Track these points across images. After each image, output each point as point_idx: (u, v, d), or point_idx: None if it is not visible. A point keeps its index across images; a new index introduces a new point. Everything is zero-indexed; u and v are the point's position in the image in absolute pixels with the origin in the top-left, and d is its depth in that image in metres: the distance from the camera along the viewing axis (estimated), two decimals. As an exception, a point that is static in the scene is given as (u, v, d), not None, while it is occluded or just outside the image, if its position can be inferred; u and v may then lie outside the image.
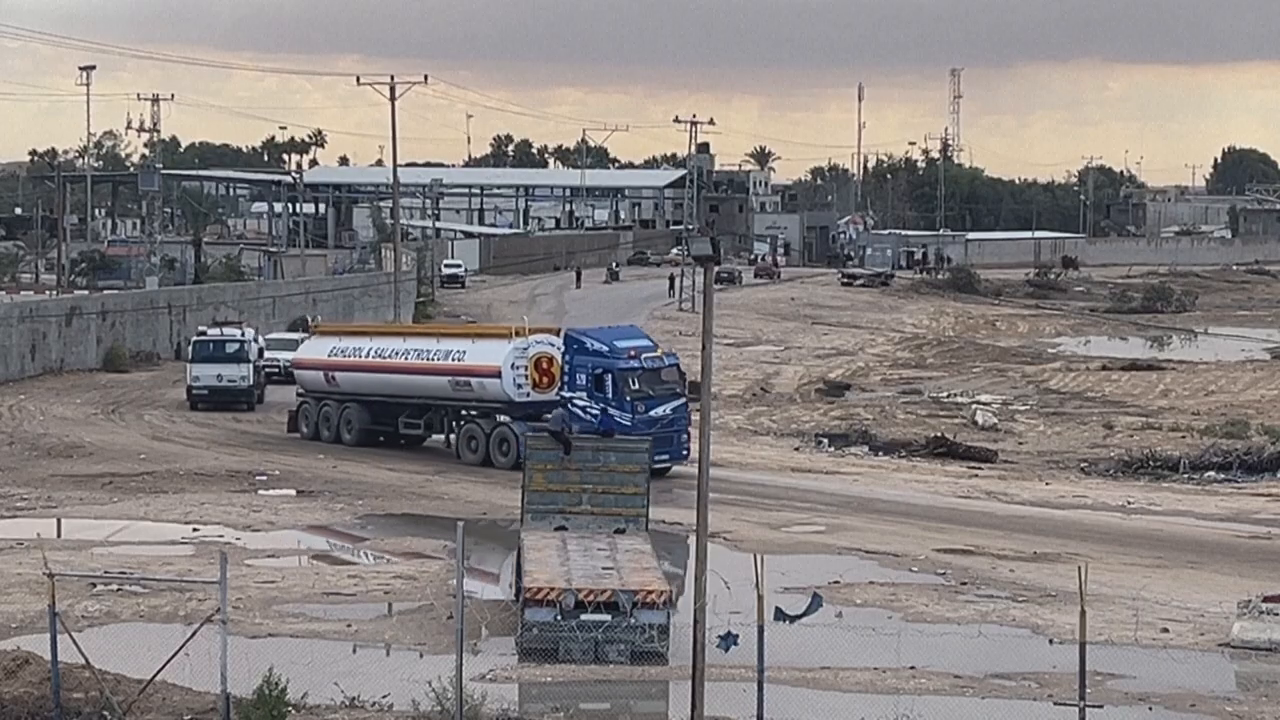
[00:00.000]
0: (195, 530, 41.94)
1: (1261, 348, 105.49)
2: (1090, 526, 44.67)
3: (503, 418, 52.13)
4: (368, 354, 56.17)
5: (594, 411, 49.36)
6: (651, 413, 50.08)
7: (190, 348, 66.81)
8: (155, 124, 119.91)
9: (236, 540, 40.77)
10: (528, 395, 51.66)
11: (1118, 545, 42.02)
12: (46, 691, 24.90)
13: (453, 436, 54.21)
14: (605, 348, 51.06)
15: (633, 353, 51.01)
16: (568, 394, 50.44)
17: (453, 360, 53.46)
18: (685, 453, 50.22)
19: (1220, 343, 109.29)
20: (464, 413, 53.63)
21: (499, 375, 51.76)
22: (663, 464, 48.19)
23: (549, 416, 44.25)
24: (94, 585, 33.87)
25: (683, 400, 51.01)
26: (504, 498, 44.95)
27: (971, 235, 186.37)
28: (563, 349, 51.93)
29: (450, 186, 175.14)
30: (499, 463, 51.38)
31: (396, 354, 55.17)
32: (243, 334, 67.44)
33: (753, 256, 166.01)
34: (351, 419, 56.61)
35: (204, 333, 67.43)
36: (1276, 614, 31.42)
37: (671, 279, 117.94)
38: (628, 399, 49.90)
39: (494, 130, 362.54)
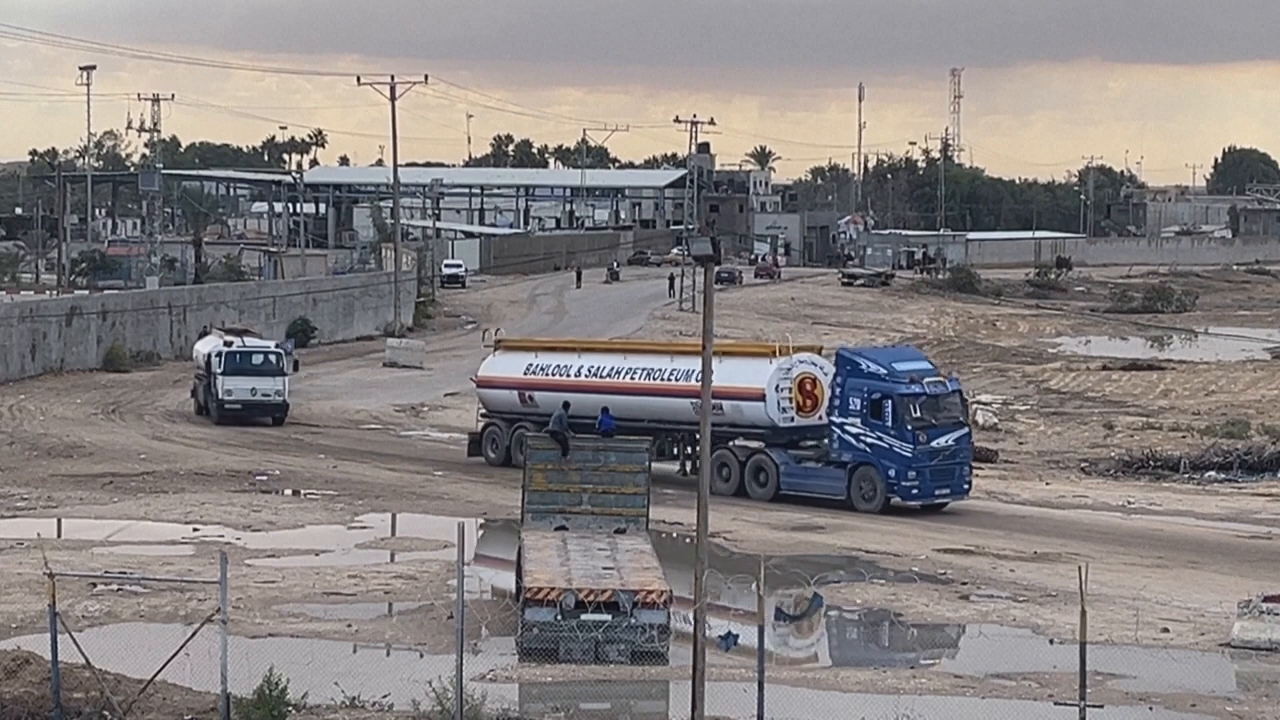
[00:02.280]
0: (195, 530, 41.95)
1: (1262, 348, 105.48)
2: (1090, 526, 44.68)
3: (754, 443, 48.18)
4: (578, 372, 51.51)
5: (869, 440, 45.86)
6: (934, 443, 45.93)
7: (219, 360, 62.16)
8: (155, 124, 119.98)
9: (236, 540, 40.78)
10: (791, 420, 47.83)
11: (1118, 545, 42.03)
12: (46, 691, 24.89)
13: (690, 464, 49.99)
14: (883, 370, 46.56)
15: (913, 377, 46.58)
16: (837, 419, 46.58)
17: (697, 381, 50.08)
18: (967, 487, 46.95)
19: (1220, 343, 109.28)
20: (698, 437, 50.57)
21: (762, 398, 47.51)
22: (942, 499, 46.17)
23: (555, 416, 44.15)
24: (94, 585, 33.87)
25: (966, 430, 47.49)
26: (504, 498, 44.98)
27: (971, 235, 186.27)
28: (829, 370, 48.12)
29: (450, 186, 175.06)
30: (755, 493, 47.43)
31: (618, 373, 50.42)
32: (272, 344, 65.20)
33: (753, 256, 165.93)
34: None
35: (230, 343, 63.50)
36: (1276, 614, 31.43)
37: (671, 279, 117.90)
38: (908, 428, 45.57)
39: (494, 130, 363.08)
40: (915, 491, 45.67)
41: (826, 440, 47.26)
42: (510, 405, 52.72)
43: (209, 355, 62.88)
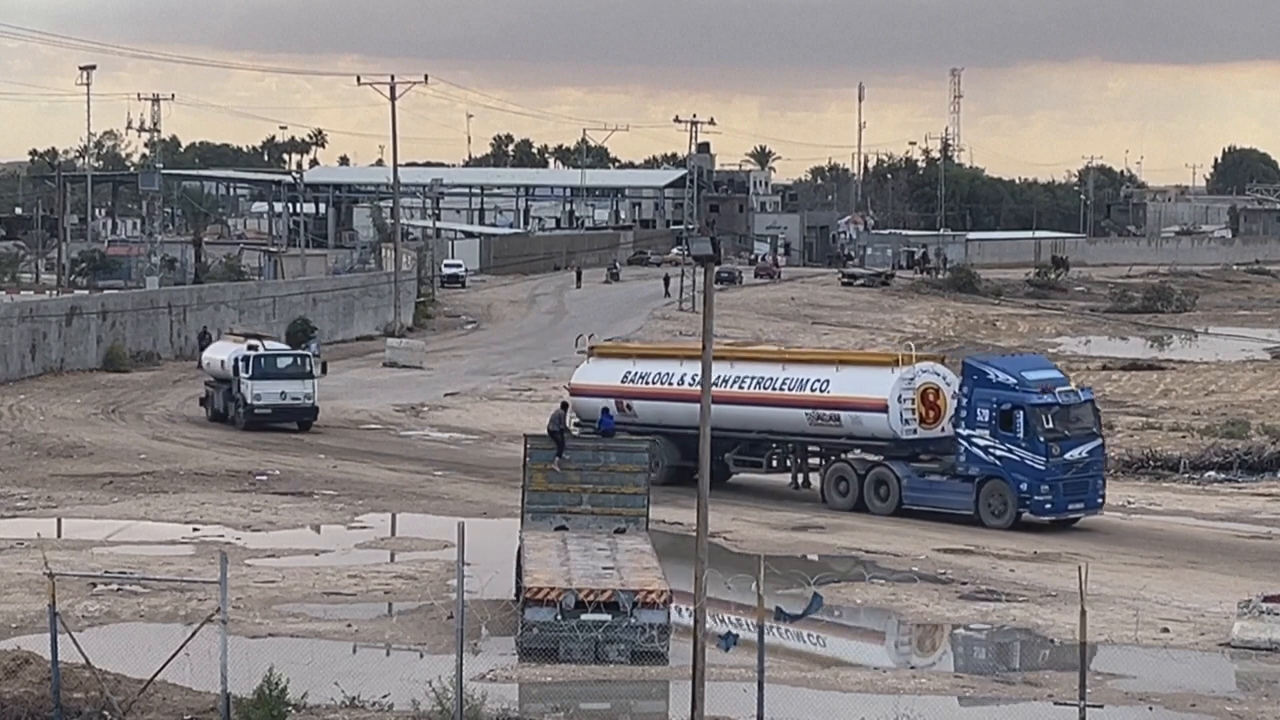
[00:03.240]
0: (195, 530, 41.96)
1: (1262, 348, 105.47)
2: (1090, 526, 44.68)
3: (873, 455, 46.53)
4: (680, 380, 49.27)
5: (999, 453, 44.16)
6: (1067, 455, 44.07)
7: (246, 364, 60.71)
8: (155, 124, 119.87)
9: (237, 540, 40.78)
10: (914, 431, 46.18)
11: (1118, 545, 42.05)
12: (46, 691, 24.90)
13: (802, 476, 48.81)
14: (1013, 380, 44.67)
15: (1045, 386, 44.80)
16: (964, 431, 44.79)
17: (812, 391, 47.22)
18: (1100, 501, 45.11)
19: (1220, 342, 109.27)
20: (811, 448, 48.40)
21: (884, 409, 45.89)
22: (1075, 513, 44.55)
23: (553, 415, 44.06)
24: (94, 585, 33.89)
25: (1100, 441, 45.50)
26: (504, 497, 44.96)
27: (971, 235, 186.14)
28: (952, 380, 46.79)
29: (450, 186, 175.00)
30: (876, 508, 45.74)
31: (725, 381, 47.56)
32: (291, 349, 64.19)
33: (753, 256, 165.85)
34: (658, 455, 47.10)
35: (254, 347, 62.16)
36: (1276, 614, 31.45)
37: (667, 279, 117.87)
38: (1041, 439, 43.78)
39: (494, 130, 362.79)
40: (1048, 506, 43.95)
41: (952, 453, 45.48)
42: None
43: (234, 360, 61.36)
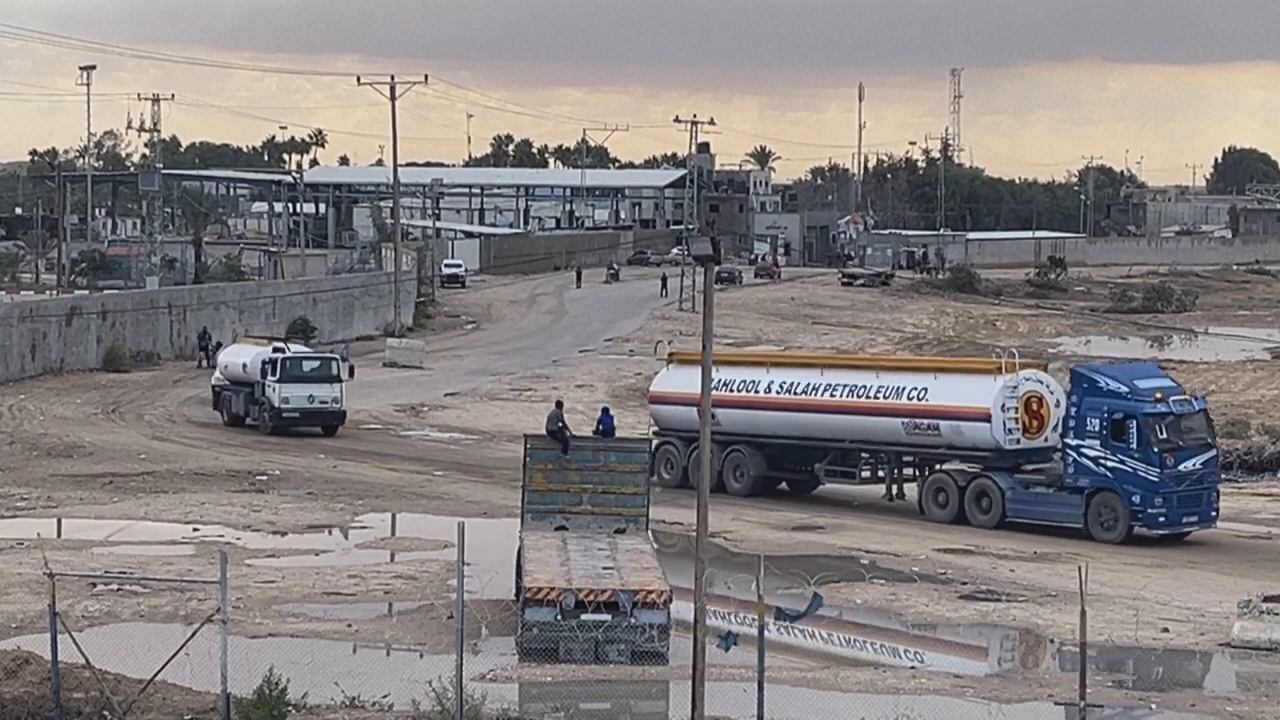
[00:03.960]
0: (195, 530, 41.95)
1: (1262, 348, 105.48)
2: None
3: (973, 466, 45.23)
4: (768, 388, 48.22)
5: (1110, 464, 42.61)
6: (1180, 466, 42.52)
7: (273, 367, 59.61)
8: (155, 124, 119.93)
9: (236, 540, 40.78)
10: (1018, 442, 44.72)
11: (1118, 545, 42.05)
12: (46, 691, 24.89)
13: (896, 487, 47.45)
14: (1124, 388, 43.13)
15: (1158, 395, 43.20)
16: (1073, 441, 43.23)
17: (909, 399, 45.84)
18: (1214, 514, 43.50)
19: (1220, 342, 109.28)
20: (906, 459, 47.07)
21: (987, 419, 44.45)
22: (1189, 526, 43.12)
23: (550, 415, 44.00)
24: (94, 585, 33.88)
25: (1214, 452, 43.93)
26: (504, 497, 44.95)
27: (971, 235, 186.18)
28: (1055, 388, 45.54)
29: (450, 186, 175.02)
30: (977, 520, 44.26)
31: (815, 389, 47.08)
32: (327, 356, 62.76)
33: (753, 256, 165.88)
34: (742, 464, 48.50)
35: (280, 349, 61.38)
36: (1276, 614, 31.44)
37: (664, 279, 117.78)
38: (1154, 450, 42.19)
39: (494, 130, 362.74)
40: (1162, 519, 42.43)
41: (1059, 463, 44.13)
42: (688, 423, 47.56)
43: (260, 363, 60.12)
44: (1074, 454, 43.37)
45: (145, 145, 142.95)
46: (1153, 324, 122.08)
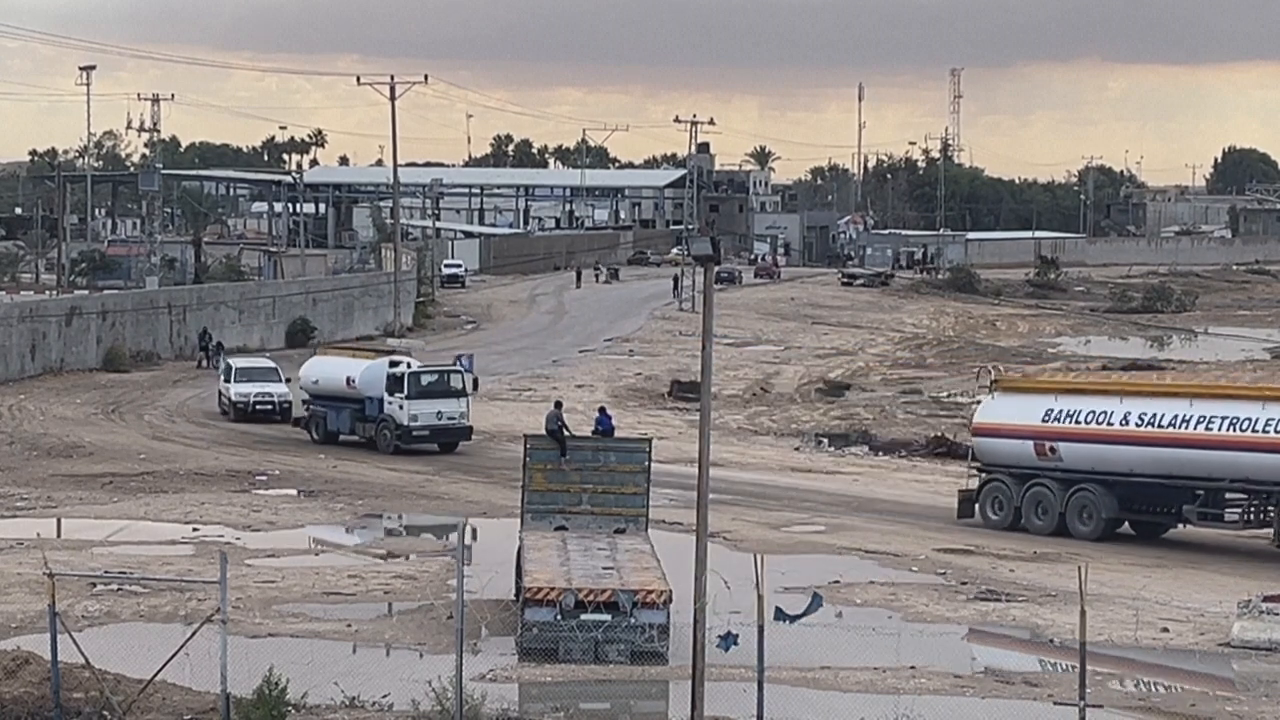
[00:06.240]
0: (195, 530, 41.95)
1: (1261, 348, 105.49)
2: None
3: None
4: (1123, 420, 42.84)
5: None
6: None
7: (399, 382, 56.08)
8: (155, 124, 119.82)
9: (236, 540, 40.78)
10: None
11: (1118, 545, 42.06)
12: (46, 691, 24.90)
13: None
14: None
15: None
16: None
17: None
18: None
19: (1220, 342, 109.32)
20: None
21: None
22: None
23: (549, 415, 43.91)
24: (94, 585, 33.87)
25: None
26: (504, 497, 44.96)
27: (971, 235, 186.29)
28: None
29: (450, 186, 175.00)
30: None
31: (1184, 422, 41.79)
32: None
33: (753, 256, 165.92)
34: (1091, 505, 43.20)
35: (397, 362, 57.69)
36: (1276, 614, 31.45)
37: (676, 279, 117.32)
38: None
39: (494, 130, 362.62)
40: None
41: None
42: (1020, 458, 44.33)
43: (385, 377, 56.45)
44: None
45: (145, 145, 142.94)
46: (1153, 324, 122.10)
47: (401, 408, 56.07)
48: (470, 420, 57.02)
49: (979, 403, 47.87)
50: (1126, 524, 43.89)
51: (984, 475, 45.33)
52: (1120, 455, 42.70)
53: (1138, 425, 42.39)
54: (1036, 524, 43.70)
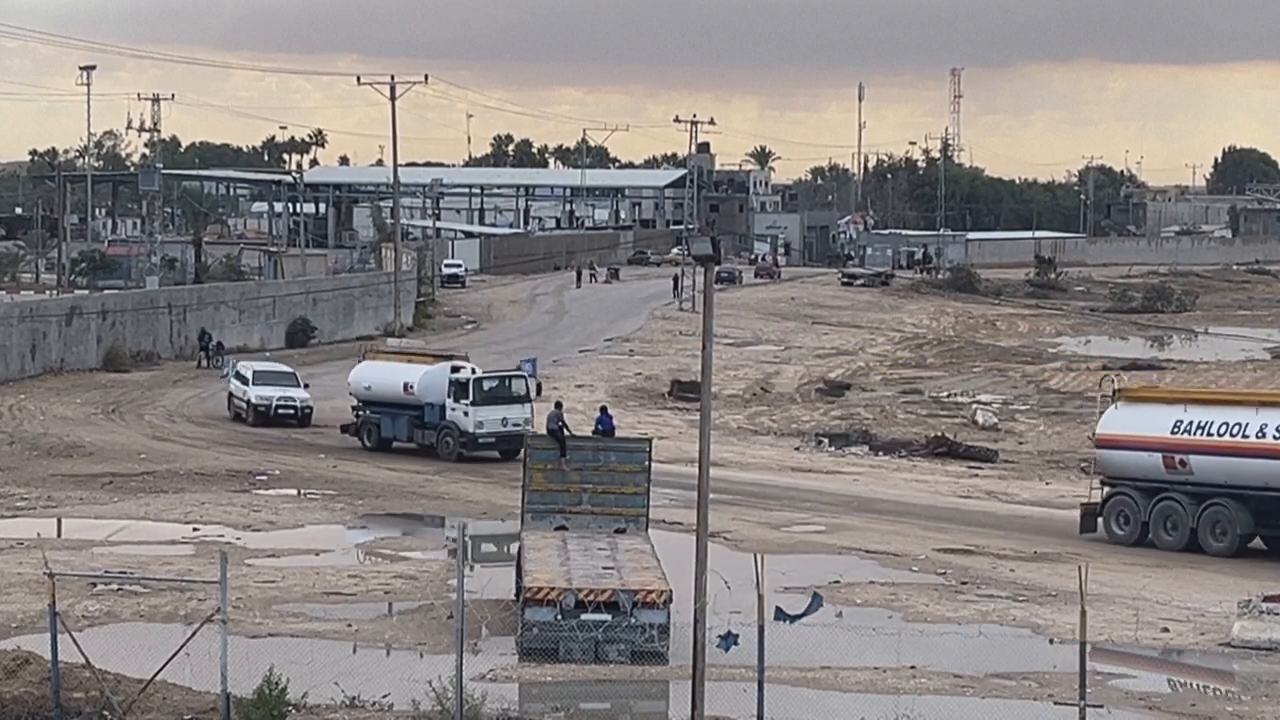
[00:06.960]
0: (195, 530, 41.95)
1: (1262, 347, 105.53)
2: (1090, 526, 44.62)
3: None
4: (1260, 432, 41.08)
5: None
6: None
7: (463, 388, 54.88)
8: (155, 124, 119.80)
9: (237, 540, 40.78)
10: None
11: (1118, 545, 42.05)
12: (46, 691, 24.89)
13: None
14: None
15: None
16: None
17: None
18: None
19: (1221, 342, 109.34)
20: None
21: None
22: None
23: (550, 415, 43.92)
24: (94, 585, 33.87)
25: None
26: (504, 497, 44.97)
27: (971, 235, 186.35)
28: None
29: (450, 186, 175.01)
30: None
31: None
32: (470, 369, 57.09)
33: (753, 256, 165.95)
34: (1225, 521, 41.68)
35: (459, 367, 56.32)
36: (1276, 614, 31.44)
37: (676, 279, 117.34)
38: None
39: (494, 130, 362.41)
40: None
41: None
42: (1147, 471, 42.76)
43: (449, 383, 55.22)
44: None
45: (145, 145, 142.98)
46: (1153, 324, 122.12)
47: (466, 414, 54.85)
48: (534, 427, 53.33)
49: (1101, 413, 46.09)
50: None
51: (1108, 488, 43.85)
52: (1256, 469, 41.10)
53: (1275, 438, 40.79)
54: (1166, 539, 42.26)
